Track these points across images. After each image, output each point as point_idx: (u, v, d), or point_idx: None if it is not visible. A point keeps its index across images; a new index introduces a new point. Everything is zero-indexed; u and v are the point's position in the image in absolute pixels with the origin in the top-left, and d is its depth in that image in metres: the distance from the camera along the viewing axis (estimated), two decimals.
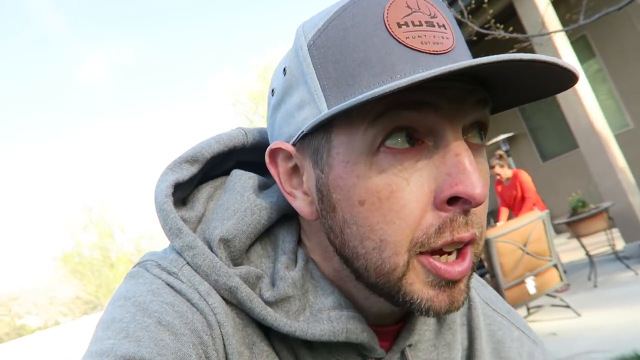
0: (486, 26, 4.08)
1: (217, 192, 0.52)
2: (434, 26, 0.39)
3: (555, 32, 4.01)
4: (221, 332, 0.42)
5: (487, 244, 3.38)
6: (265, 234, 0.50)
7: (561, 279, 3.70)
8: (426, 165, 0.39)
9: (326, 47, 0.41)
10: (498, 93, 0.42)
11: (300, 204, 0.46)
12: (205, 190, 0.52)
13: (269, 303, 0.44)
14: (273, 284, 0.46)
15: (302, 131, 0.42)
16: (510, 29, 4.20)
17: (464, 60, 0.39)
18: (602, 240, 5.02)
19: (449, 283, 0.40)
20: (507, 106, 0.46)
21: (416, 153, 0.39)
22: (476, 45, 4.80)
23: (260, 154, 0.52)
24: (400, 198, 0.38)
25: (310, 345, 0.45)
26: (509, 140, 8.43)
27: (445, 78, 0.37)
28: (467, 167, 0.37)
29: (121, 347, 0.37)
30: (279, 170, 0.47)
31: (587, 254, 4.38)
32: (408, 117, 0.38)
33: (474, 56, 0.40)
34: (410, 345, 0.50)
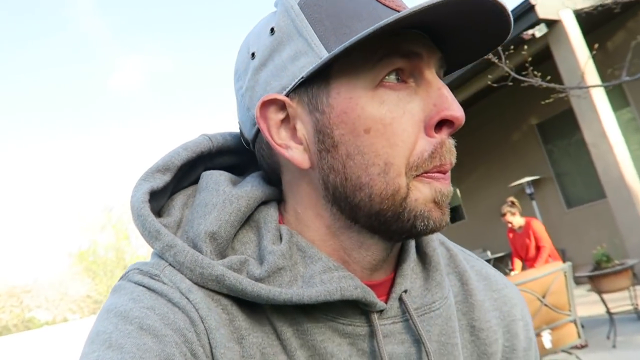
0: (523, 73, 4.00)
1: (191, 199, 0.54)
2: None
3: (595, 86, 3.92)
4: (204, 326, 0.44)
5: None
6: (246, 222, 0.52)
7: (579, 336, 3.55)
8: (414, 100, 0.46)
9: (318, 5, 0.47)
10: (452, 50, 0.50)
11: (294, 153, 0.49)
12: (179, 198, 0.54)
13: (260, 279, 0.46)
14: (261, 262, 0.48)
15: (302, 77, 0.46)
16: (545, 77, 4.14)
17: None
18: (624, 297, 4.83)
19: (441, 199, 0.46)
20: (461, 64, 0.53)
21: (405, 88, 0.46)
22: (506, 87, 4.75)
23: (226, 159, 0.58)
24: (400, 123, 0.45)
25: (312, 315, 0.47)
26: (533, 183, 8.27)
27: (419, 27, 0.45)
28: (449, 97, 0.45)
29: (105, 357, 0.39)
30: (268, 124, 0.49)
31: (608, 311, 4.21)
32: (402, 61, 0.45)
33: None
34: (405, 292, 0.52)
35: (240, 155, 0.60)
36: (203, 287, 0.46)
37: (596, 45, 4.40)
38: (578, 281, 7.66)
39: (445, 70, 0.52)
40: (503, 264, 8.59)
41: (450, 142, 0.47)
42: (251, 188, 0.52)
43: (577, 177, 7.90)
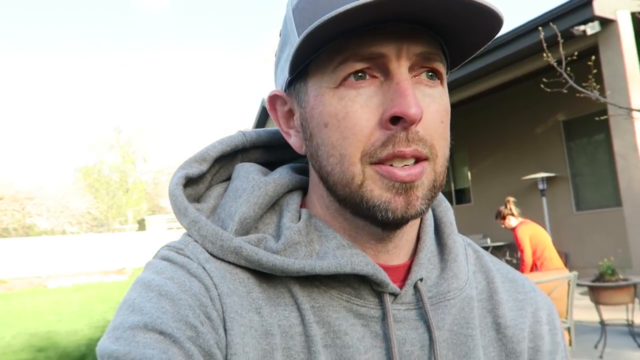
0: (584, 85, 3.82)
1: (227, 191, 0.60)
2: None
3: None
4: (217, 292, 0.48)
5: None
6: (271, 207, 0.57)
7: (570, 343, 3.59)
8: (376, 94, 0.48)
9: (305, 9, 0.50)
10: (453, 43, 0.51)
11: (294, 139, 0.56)
12: (216, 189, 0.60)
13: (276, 252, 0.51)
14: (278, 237, 0.53)
15: (287, 77, 0.53)
16: (586, 76, 3.97)
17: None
18: (620, 309, 4.86)
19: (404, 187, 0.47)
20: (465, 55, 0.54)
21: (369, 84, 0.48)
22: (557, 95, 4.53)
23: (260, 154, 0.64)
24: (352, 117, 0.48)
25: (328, 293, 0.51)
26: (547, 180, 8.18)
27: (391, 20, 0.46)
28: (404, 92, 0.46)
29: (128, 319, 0.45)
30: (277, 115, 0.58)
31: (602, 322, 4.24)
32: (362, 64, 0.47)
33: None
34: (421, 280, 0.54)
35: (275, 152, 0.65)
36: (223, 260, 0.51)
37: None
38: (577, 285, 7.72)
39: (451, 59, 0.53)
40: (501, 254, 8.65)
41: (415, 132, 0.47)
42: (279, 176, 0.58)
43: (592, 180, 7.80)
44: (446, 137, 0.51)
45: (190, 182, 0.58)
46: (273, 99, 0.57)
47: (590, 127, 7.44)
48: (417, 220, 0.58)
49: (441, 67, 0.51)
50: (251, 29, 65.18)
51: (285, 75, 0.53)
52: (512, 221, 4.67)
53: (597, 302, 4.23)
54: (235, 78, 65.55)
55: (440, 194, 0.60)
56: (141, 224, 31.20)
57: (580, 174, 7.94)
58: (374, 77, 0.48)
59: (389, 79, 0.48)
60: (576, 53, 4.32)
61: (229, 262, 0.51)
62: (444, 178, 0.52)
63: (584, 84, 3.79)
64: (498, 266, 0.65)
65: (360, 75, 0.48)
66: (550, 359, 0.59)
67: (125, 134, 38.32)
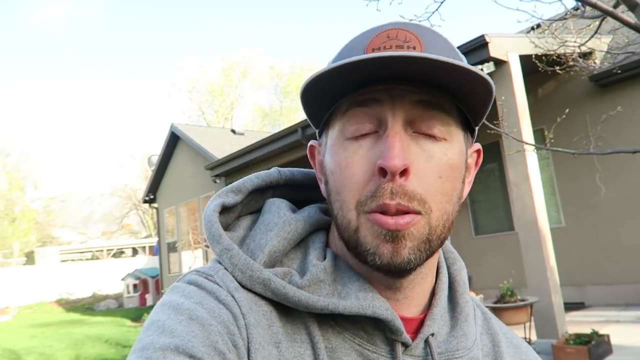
0: (495, 122, 4.12)
1: (255, 223, 0.62)
2: (402, 48, 0.51)
3: (556, 150, 4.06)
4: (245, 322, 0.49)
5: None
6: (299, 243, 0.59)
7: None
8: (374, 146, 0.50)
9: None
10: (465, 104, 0.54)
11: (323, 186, 0.59)
12: (246, 220, 0.62)
13: (301, 287, 0.52)
14: (303, 273, 0.54)
15: (317, 130, 0.60)
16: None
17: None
18: (518, 328, 5.20)
19: (391, 235, 0.49)
20: (477, 115, 0.56)
21: (370, 138, 0.51)
22: None
23: (291, 192, 0.66)
24: (351, 168, 0.51)
25: (342, 335, 0.53)
26: None
27: (390, 79, 0.49)
28: (389, 144, 0.48)
29: (159, 340, 0.45)
30: (315, 161, 0.62)
31: None
32: (362, 111, 0.51)
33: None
34: (433, 335, 0.56)
35: (304, 191, 0.67)
36: (250, 290, 0.53)
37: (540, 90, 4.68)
38: None
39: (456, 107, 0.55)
40: None
41: (400, 185, 0.48)
42: (308, 215, 0.61)
43: (488, 207, 8.41)
44: (445, 193, 0.51)
45: (222, 210, 0.60)
46: (312, 148, 0.63)
47: (485, 157, 8.06)
48: (430, 275, 0.59)
49: (447, 120, 0.52)
50: (159, 54, 63.27)
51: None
52: None
53: None
54: (142, 103, 62.79)
55: (456, 252, 0.66)
56: (30, 257, 28.39)
57: (477, 200, 8.53)
58: (375, 131, 0.51)
59: (383, 132, 0.51)
60: None
61: (255, 293, 0.53)
62: (444, 232, 0.52)
63: (495, 122, 4.10)
64: (504, 330, 0.67)
65: (360, 130, 0.52)
66: None
67: (12, 157, 34.93)
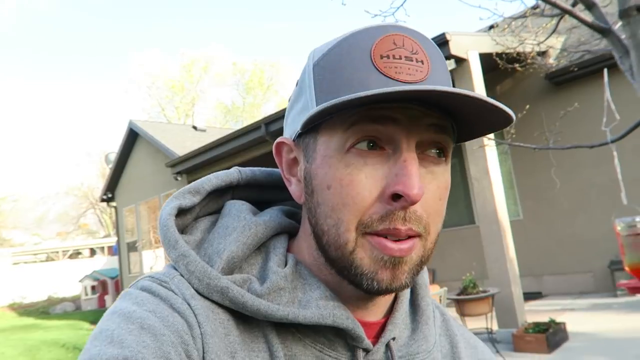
0: None
1: (213, 225, 0.59)
2: (412, 60, 0.49)
3: (523, 145, 4.21)
4: (201, 331, 0.47)
5: None
6: (259, 248, 0.57)
7: None
8: (382, 166, 0.48)
9: (325, 68, 0.51)
10: (461, 124, 0.52)
11: (294, 188, 0.56)
12: (203, 222, 0.60)
13: (260, 296, 0.50)
14: (263, 280, 0.53)
15: (298, 130, 0.53)
16: None
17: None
18: (480, 318, 5.34)
19: (392, 261, 0.48)
20: (472, 136, 0.55)
21: (377, 155, 0.48)
22: None
23: (253, 192, 0.64)
24: (356, 186, 0.48)
25: (302, 342, 0.52)
26: None
27: (406, 100, 0.46)
28: (409, 171, 0.46)
29: (107, 351, 0.42)
30: (282, 160, 0.58)
31: None
32: (374, 128, 0.48)
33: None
34: (394, 339, 0.56)
35: (266, 191, 0.65)
36: (207, 298, 0.51)
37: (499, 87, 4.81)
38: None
39: (459, 138, 0.55)
40: None
41: (413, 211, 0.47)
42: (269, 218, 0.58)
43: (450, 201, 8.58)
44: (441, 214, 0.52)
45: (179, 212, 0.58)
46: (280, 145, 0.58)
47: None
48: None
49: (450, 143, 0.52)
50: (115, 51, 61.14)
51: (296, 127, 0.54)
52: None
53: (462, 314, 4.61)
54: (99, 101, 60.51)
55: None
56: None
57: None
58: (382, 148, 0.49)
59: (396, 153, 0.48)
60: None
61: (212, 301, 0.51)
62: (432, 251, 0.52)
63: None
64: (462, 331, 0.68)
65: (371, 145, 0.48)
66: None
67: None
